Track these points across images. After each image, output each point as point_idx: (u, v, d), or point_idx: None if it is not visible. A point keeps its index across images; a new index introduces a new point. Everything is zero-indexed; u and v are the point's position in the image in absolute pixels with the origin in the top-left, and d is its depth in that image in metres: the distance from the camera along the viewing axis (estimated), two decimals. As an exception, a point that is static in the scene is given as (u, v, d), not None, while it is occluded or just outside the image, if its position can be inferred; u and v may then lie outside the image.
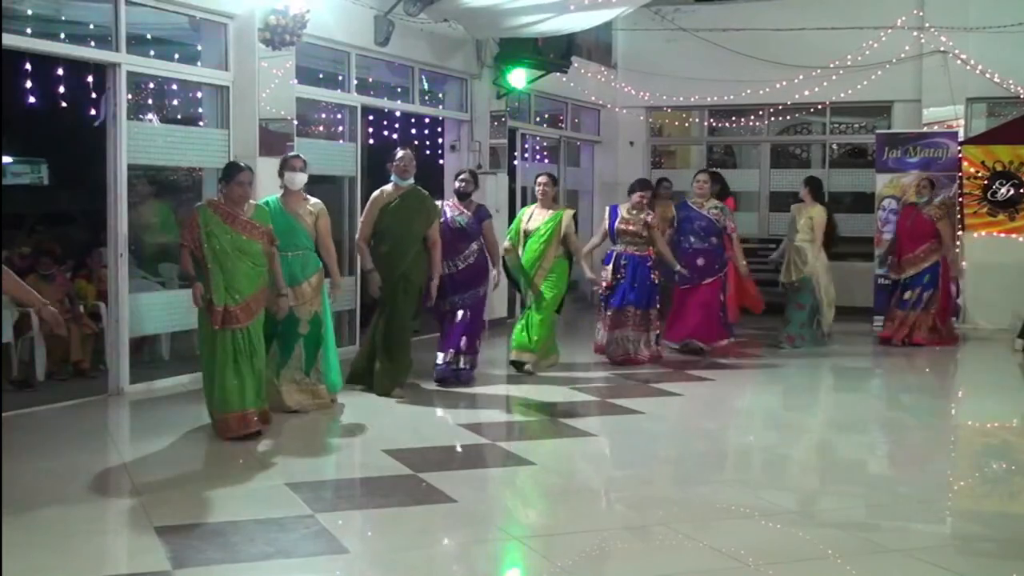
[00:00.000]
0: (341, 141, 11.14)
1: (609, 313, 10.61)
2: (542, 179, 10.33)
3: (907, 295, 12.48)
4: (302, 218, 8.05)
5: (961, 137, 14.02)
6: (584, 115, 16.35)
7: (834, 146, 16.90)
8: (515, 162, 14.23)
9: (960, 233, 13.72)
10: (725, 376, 10.18)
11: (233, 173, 7.36)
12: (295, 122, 9.94)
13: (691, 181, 11.91)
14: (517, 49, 12.89)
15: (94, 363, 9.51)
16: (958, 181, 13.67)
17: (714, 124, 16.83)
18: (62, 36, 8.55)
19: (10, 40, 7.88)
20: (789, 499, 6.24)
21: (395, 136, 13.09)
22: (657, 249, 10.69)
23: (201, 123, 9.88)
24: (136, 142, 8.72)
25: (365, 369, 8.93)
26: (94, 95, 9.13)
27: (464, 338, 9.30)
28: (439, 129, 13.35)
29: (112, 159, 8.55)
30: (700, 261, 11.31)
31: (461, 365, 9.29)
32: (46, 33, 8.45)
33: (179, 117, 10.05)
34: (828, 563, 5.00)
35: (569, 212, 10.21)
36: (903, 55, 14.76)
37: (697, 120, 17.00)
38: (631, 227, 10.55)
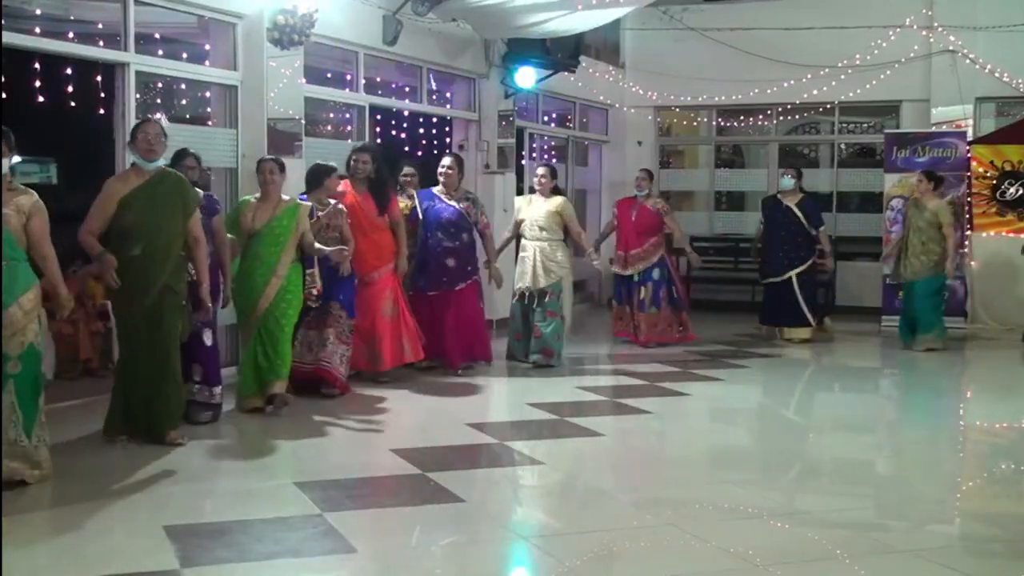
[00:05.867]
0: (349, 140, 11.12)
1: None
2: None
3: (642, 293, 11.67)
4: (6, 217, 5.78)
5: (970, 137, 14.00)
6: (592, 115, 16.35)
7: (842, 146, 16.87)
8: (523, 162, 14.22)
9: (969, 233, 13.72)
10: (733, 376, 10.16)
11: None
12: (303, 122, 9.94)
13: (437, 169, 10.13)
14: (525, 48, 12.87)
15: (103, 362, 9.49)
16: (967, 181, 13.66)
17: (722, 124, 16.81)
18: (71, 35, 8.56)
19: (20, 40, 7.93)
20: (797, 499, 6.23)
21: (403, 136, 13.13)
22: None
23: (209, 123, 9.89)
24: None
25: (124, 414, 6.94)
26: (103, 94, 9.15)
27: (216, 365, 7.80)
28: (447, 129, 13.35)
29: (121, 159, 8.55)
30: (451, 262, 9.83)
31: (217, 399, 7.71)
32: (55, 32, 8.46)
33: (187, 116, 10.05)
34: (837, 563, 4.98)
35: (306, 206, 8.28)
36: (912, 55, 14.74)
37: (705, 120, 16.98)
38: None
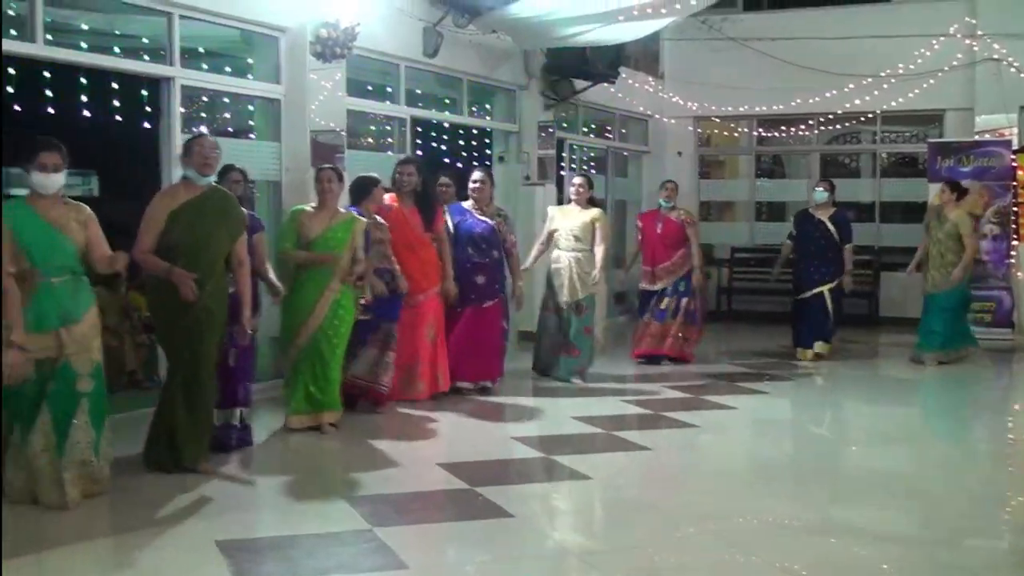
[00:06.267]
0: (389, 153, 11.13)
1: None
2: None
3: (664, 304, 11.24)
4: (68, 229, 5.85)
5: (1015, 145, 13.84)
6: (631, 125, 16.30)
7: (884, 155, 16.73)
8: (562, 173, 14.18)
9: (1016, 243, 13.55)
10: (778, 389, 10.10)
11: None
12: (345, 134, 9.95)
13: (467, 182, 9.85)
14: (565, 59, 12.87)
15: (147, 374, 9.53)
16: (1013, 190, 13.50)
17: (763, 134, 16.71)
18: (116, 50, 8.62)
19: (66, 55, 8.02)
20: (845, 513, 6.12)
21: (443, 147, 13.14)
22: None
23: (252, 136, 9.93)
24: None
25: (167, 440, 6.59)
26: (146, 108, 9.20)
27: (242, 387, 7.35)
28: (487, 140, 13.35)
29: (167, 172, 8.57)
30: (480, 279, 9.60)
31: (243, 421, 7.38)
32: (101, 47, 8.52)
33: (230, 130, 10.09)
34: (890, 581, 4.94)
35: (362, 221, 8.03)
36: (955, 63, 14.59)
37: (746, 130, 16.89)
38: None
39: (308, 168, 9.30)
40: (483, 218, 9.65)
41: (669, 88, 16.27)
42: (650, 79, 15.95)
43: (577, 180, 10.44)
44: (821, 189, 12.03)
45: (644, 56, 15.78)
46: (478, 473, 6.67)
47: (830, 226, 11.79)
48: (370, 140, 11.27)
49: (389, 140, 11.30)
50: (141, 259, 6.51)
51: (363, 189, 8.48)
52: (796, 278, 12.09)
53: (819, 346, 11.80)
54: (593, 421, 8.38)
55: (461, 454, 7.26)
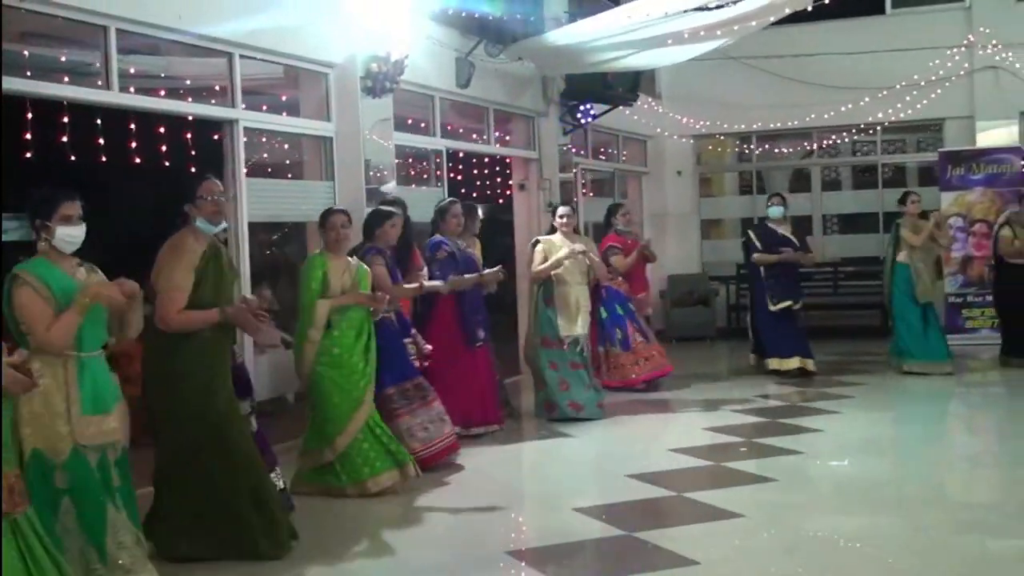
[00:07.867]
0: (424, 188, 10.83)
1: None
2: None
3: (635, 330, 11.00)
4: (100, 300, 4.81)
5: (1018, 152, 13.99)
6: (630, 147, 16.16)
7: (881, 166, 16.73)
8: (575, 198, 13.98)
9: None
10: (847, 406, 9.92)
11: None
12: (394, 170, 9.67)
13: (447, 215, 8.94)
14: (585, 84, 12.72)
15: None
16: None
17: (765, 148, 16.71)
18: (167, 93, 8.26)
19: (140, 101, 7.71)
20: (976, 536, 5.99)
21: (460, 177, 12.88)
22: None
23: (290, 175, 9.61)
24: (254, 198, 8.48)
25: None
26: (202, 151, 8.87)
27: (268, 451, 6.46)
28: (506, 169, 13.11)
29: (233, 216, 8.21)
30: (480, 317, 8.97)
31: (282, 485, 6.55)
32: (154, 90, 8.12)
33: (282, 169, 9.75)
34: None
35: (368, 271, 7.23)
36: (962, 72, 14.70)
37: (745, 147, 16.87)
38: None
39: (364, 206, 8.98)
40: (468, 252, 9.11)
41: (667, 107, 16.18)
42: (649, 99, 15.83)
43: (565, 209, 9.98)
44: (778, 205, 11.72)
45: (643, 76, 15.62)
46: (623, 516, 6.45)
47: (796, 241, 11.68)
48: (411, 173, 10.95)
49: (424, 174, 11.02)
50: (178, 321, 5.54)
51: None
52: (772, 290, 11.57)
53: (809, 364, 11.53)
54: (693, 452, 8.14)
55: (588, 496, 6.98)
